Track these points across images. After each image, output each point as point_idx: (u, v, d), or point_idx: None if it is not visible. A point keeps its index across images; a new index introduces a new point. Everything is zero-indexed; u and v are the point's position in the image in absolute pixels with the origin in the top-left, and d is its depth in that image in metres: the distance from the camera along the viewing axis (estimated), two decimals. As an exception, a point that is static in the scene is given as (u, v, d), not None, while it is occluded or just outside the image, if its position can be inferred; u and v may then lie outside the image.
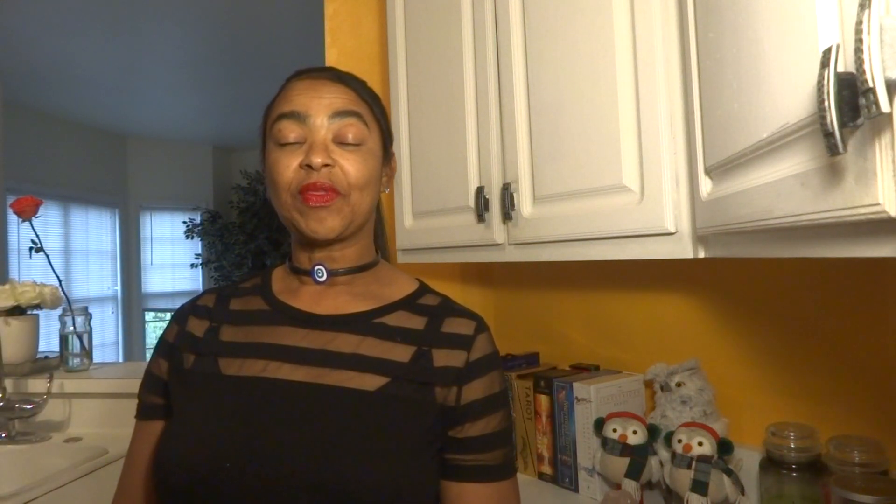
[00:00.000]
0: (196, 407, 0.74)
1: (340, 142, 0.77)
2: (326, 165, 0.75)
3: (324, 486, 0.66)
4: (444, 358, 0.76)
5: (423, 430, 0.73)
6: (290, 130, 0.76)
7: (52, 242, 5.14)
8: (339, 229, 0.77)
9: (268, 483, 0.67)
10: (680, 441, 1.11)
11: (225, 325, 0.81)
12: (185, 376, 0.78)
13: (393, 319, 0.79)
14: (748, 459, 1.12)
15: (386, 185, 0.86)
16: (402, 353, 0.76)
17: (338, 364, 0.74)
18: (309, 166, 0.74)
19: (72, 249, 5.47)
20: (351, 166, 0.76)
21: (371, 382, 0.73)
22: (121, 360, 5.86)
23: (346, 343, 0.76)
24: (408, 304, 0.81)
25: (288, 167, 0.76)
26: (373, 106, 0.82)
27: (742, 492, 1.07)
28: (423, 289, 0.86)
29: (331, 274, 0.81)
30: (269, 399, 0.72)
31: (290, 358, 0.75)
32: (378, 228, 0.91)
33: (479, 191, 1.23)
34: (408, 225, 1.45)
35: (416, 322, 0.79)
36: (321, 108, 0.76)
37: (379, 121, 0.83)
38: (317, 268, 0.81)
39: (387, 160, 0.85)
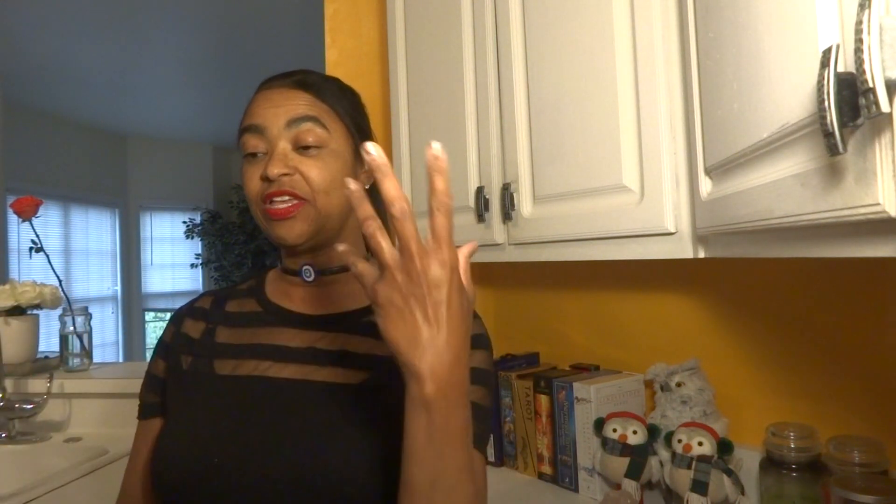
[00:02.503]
0: (189, 406, 0.76)
1: (300, 147, 0.77)
2: (286, 174, 0.75)
3: (311, 479, 0.67)
4: None
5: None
6: (253, 144, 0.77)
7: (52, 242, 5.15)
8: (307, 235, 0.77)
9: (256, 478, 0.68)
10: (680, 441, 1.11)
11: (220, 326, 0.82)
12: (181, 377, 0.80)
13: None
14: (748, 459, 1.12)
15: (366, 182, 0.85)
16: (388, 348, 0.76)
17: (325, 361, 0.76)
18: (267, 178, 0.75)
19: (72, 249, 5.47)
20: (311, 171, 0.76)
21: (354, 377, 0.74)
22: (121, 360, 5.86)
23: (333, 341, 0.77)
24: None
25: (252, 179, 0.77)
26: (335, 105, 0.81)
27: (742, 492, 1.07)
28: None
29: (319, 273, 0.82)
30: (258, 397, 0.74)
31: (280, 357, 0.77)
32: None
33: (479, 191, 1.23)
34: (408, 225, 1.45)
35: None
36: (277, 118, 0.77)
37: (343, 119, 0.81)
38: (304, 268, 0.82)
39: (360, 161, 0.84)
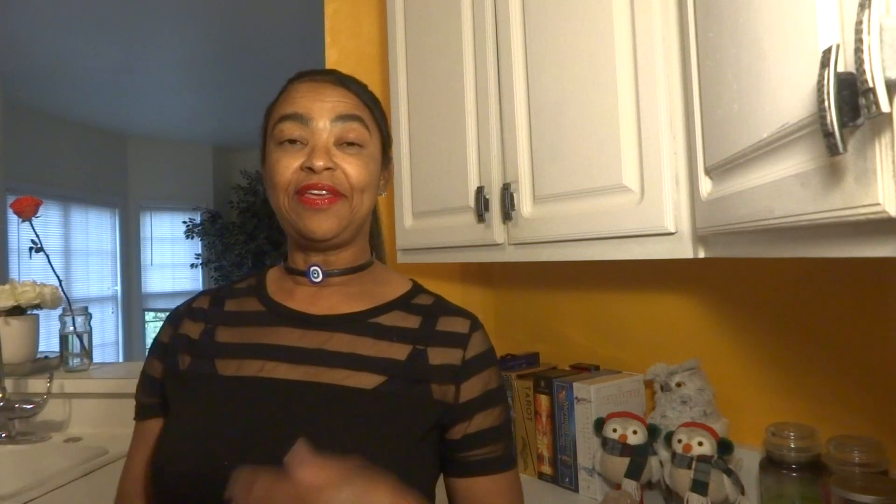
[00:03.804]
0: (193, 408, 0.75)
1: (342, 145, 0.78)
2: (328, 169, 0.75)
3: None
4: (440, 356, 0.77)
5: (420, 427, 0.73)
6: (293, 132, 0.77)
7: (52, 242, 5.14)
8: (336, 230, 0.77)
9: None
10: (680, 441, 1.11)
11: (220, 326, 0.81)
12: (181, 377, 0.79)
13: (388, 319, 0.80)
14: (748, 459, 1.12)
15: (383, 188, 0.87)
16: (397, 351, 0.77)
17: (334, 363, 0.75)
18: (311, 169, 0.75)
19: (72, 249, 5.47)
20: (352, 169, 0.77)
21: (367, 381, 0.74)
22: (121, 360, 5.86)
23: (341, 342, 0.77)
24: (402, 303, 0.82)
25: (288, 168, 0.76)
26: (374, 110, 0.83)
27: (742, 492, 1.07)
28: (417, 289, 0.86)
29: (326, 275, 0.82)
30: (267, 398, 0.73)
31: (287, 358, 0.76)
32: (374, 229, 0.92)
33: (479, 191, 1.23)
34: (408, 225, 1.45)
35: (411, 321, 0.80)
36: (324, 111, 0.77)
37: (379, 125, 0.84)
38: (312, 268, 0.82)
39: (385, 164, 0.86)
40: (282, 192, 0.77)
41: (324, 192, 0.75)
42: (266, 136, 0.82)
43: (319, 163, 0.74)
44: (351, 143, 0.78)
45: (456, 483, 0.78)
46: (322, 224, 0.76)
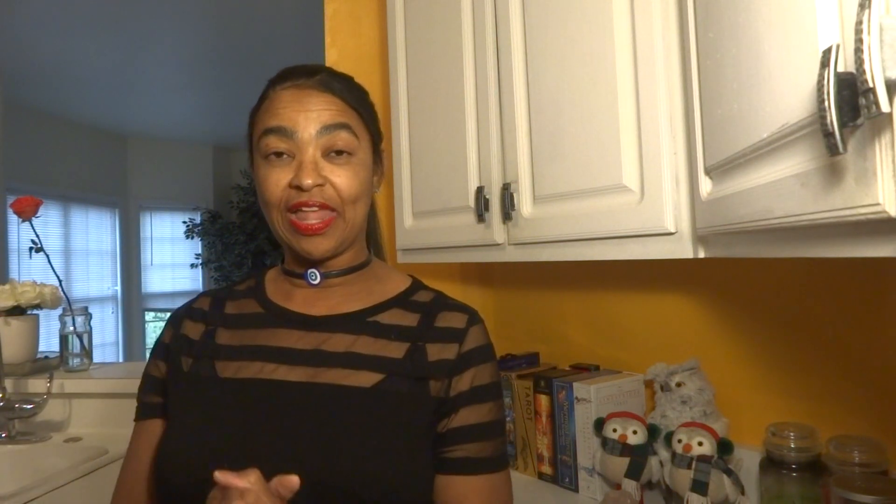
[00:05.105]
0: (194, 409, 0.75)
1: (330, 154, 0.76)
2: (318, 185, 0.74)
3: (323, 482, 0.67)
4: (438, 352, 0.77)
5: (420, 425, 0.73)
6: (278, 145, 0.75)
7: (52, 242, 5.14)
8: (333, 249, 0.77)
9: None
10: (680, 441, 1.11)
11: (221, 328, 0.81)
12: (182, 379, 0.79)
13: (387, 317, 0.80)
14: (748, 459, 1.12)
15: (377, 185, 0.85)
16: (395, 349, 0.76)
17: (332, 363, 0.75)
18: (299, 187, 0.73)
19: (72, 249, 5.46)
20: (342, 182, 0.75)
21: (366, 379, 0.73)
22: (121, 360, 5.86)
23: (340, 342, 0.77)
24: (401, 301, 0.82)
25: (277, 185, 0.75)
26: (361, 111, 0.80)
27: (742, 492, 1.07)
28: (417, 285, 0.86)
29: (324, 276, 0.82)
30: (266, 399, 0.73)
31: (286, 359, 0.76)
32: (371, 226, 0.91)
33: (479, 191, 1.23)
34: (408, 225, 1.45)
35: (410, 319, 0.80)
36: (309, 122, 0.75)
37: (368, 126, 0.81)
38: (310, 271, 0.81)
39: (378, 162, 0.84)
40: (273, 208, 0.76)
41: (315, 207, 0.74)
42: (252, 144, 0.81)
43: (308, 181, 0.73)
44: (339, 152, 0.76)
45: (437, 480, 0.74)
46: (318, 246, 0.76)
